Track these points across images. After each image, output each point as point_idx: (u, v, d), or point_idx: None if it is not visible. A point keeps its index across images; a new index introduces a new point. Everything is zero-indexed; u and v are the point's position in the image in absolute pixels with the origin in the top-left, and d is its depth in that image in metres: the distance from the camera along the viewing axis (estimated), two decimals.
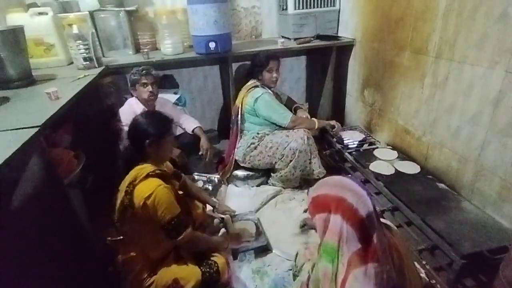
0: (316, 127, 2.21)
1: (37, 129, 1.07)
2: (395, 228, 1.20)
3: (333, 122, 2.30)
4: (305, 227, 1.74)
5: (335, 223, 0.89)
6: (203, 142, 2.15)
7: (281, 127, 2.18)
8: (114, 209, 1.27)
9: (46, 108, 1.27)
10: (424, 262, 1.47)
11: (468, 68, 1.52)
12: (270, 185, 2.29)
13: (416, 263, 1.29)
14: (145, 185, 1.22)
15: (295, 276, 1.37)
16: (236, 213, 1.91)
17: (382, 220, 1.02)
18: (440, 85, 1.70)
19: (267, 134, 2.18)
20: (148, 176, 1.24)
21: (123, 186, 1.24)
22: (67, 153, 1.41)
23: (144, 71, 1.94)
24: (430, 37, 1.72)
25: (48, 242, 1.13)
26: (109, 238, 1.31)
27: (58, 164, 1.31)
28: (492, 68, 1.40)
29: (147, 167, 1.27)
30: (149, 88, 1.96)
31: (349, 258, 0.89)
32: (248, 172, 2.28)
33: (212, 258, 1.40)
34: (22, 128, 1.07)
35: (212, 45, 2.18)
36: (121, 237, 1.33)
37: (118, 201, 1.24)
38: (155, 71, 2.01)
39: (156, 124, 1.33)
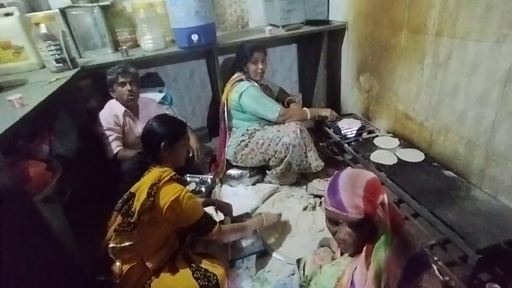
0: (309, 117, 2.08)
1: None
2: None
3: (326, 110, 2.19)
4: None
5: (386, 204, 0.85)
6: (192, 142, 2.03)
7: (271, 122, 2.05)
8: (123, 215, 1.20)
9: (7, 119, 1.13)
10: (436, 258, 1.36)
11: (472, 45, 1.40)
12: (266, 182, 2.17)
13: None
14: (171, 189, 1.22)
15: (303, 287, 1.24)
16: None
17: None
18: (442, 65, 1.58)
19: (257, 130, 2.04)
20: (171, 179, 1.25)
21: (143, 187, 1.19)
22: (38, 165, 1.28)
23: (120, 69, 1.80)
24: (429, 14, 1.59)
25: (20, 263, 1.01)
26: (111, 245, 1.19)
27: (27, 179, 1.18)
28: (500, 42, 1.27)
29: (169, 171, 1.27)
30: (128, 87, 1.83)
31: None
32: (242, 171, 2.16)
33: (210, 270, 1.30)
34: None
35: (194, 37, 2.04)
36: (127, 243, 1.21)
37: (138, 203, 1.18)
38: (134, 68, 1.87)
39: (171, 127, 1.34)
